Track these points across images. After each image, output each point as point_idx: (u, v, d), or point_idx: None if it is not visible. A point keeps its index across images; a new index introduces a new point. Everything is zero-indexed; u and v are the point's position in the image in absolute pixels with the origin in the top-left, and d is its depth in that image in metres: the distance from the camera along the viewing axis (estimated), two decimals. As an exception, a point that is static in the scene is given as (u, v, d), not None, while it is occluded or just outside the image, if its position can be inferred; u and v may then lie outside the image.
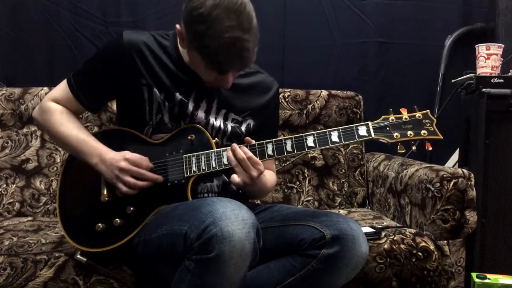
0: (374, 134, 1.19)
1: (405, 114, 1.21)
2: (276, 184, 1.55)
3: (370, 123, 1.19)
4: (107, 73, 1.27)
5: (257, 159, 1.18)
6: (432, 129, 1.19)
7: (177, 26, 1.17)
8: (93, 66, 1.30)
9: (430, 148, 1.20)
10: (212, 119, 1.30)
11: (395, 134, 1.19)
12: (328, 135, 1.19)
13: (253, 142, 1.21)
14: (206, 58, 1.11)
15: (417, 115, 1.21)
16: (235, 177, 1.18)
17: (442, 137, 1.20)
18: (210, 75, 1.18)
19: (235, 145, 1.19)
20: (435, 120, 1.21)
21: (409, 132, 1.19)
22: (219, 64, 1.12)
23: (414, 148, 1.21)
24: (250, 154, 1.17)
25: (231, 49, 1.08)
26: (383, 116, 1.21)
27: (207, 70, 1.16)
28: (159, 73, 1.26)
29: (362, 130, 1.19)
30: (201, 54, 1.11)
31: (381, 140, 1.19)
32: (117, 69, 1.25)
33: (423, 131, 1.19)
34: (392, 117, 1.20)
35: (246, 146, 1.20)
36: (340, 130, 1.19)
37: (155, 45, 1.27)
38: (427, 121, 1.20)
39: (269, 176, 1.38)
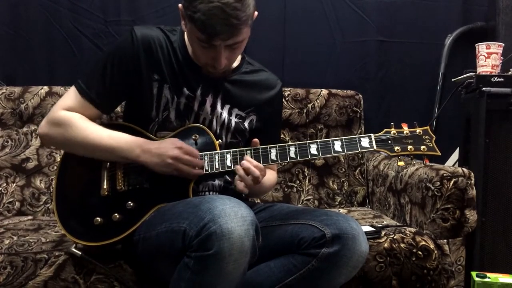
0: (376, 146, 1.24)
1: (406, 129, 1.26)
2: (276, 183, 1.55)
3: (372, 136, 1.24)
4: (123, 71, 1.26)
5: (261, 166, 1.20)
6: (431, 145, 1.25)
7: (179, 4, 1.19)
8: (106, 66, 1.26)
9: (428, 163, 1.25)
10: (217, 114, 1.32)
11: (396, 147, 1.24)
12: (331, 144, 1.22)
13: (259, 145, 1.22)
14: (197, 23, 1.12)
15: (417, 131, 1.26)
16: (240, 185, 1.20)
17: (440, 154, 1.25)
18: (205, 52, 1.19)
19: (245, 163, 1.19)
20: (434, 136, 1.26)
21: (409, 147, 1.24)
22: (207, 29, 1.12)
23: (413, 162, 1.28)
24: (255, 162, 1.19)
25: (220, 13, 1.09)
26: (385, 130, 1.26)
27: (201, 46, 1.17)
28: (170, 68, 1.27)
29: (365, 142, 1.23)
30: (192, 20, 1.12)
31: (382, 152, 1.26)
32: (132, 65, 1.25)
33: (422, 147, 1.25)
34: (393, 131, 1.25)
35: (250, 151, 1.22)
36: (344, 140, 1.23)
37: (165, 40, 1.29)
38: (427, 137, 1.26)
39: (268, 176, 1.38)
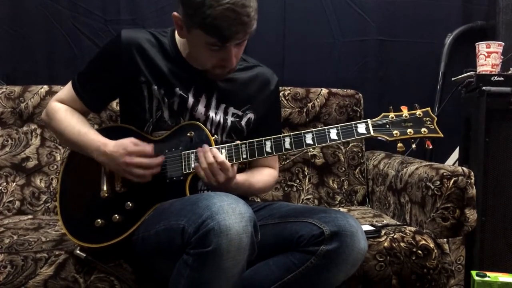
0: (373, 132, 1.17)
1: (405, 112, 1.19)
2: (275, 183, 1.53)
3: (369, 121, 1.19)
4: (107, 72, 1.29)
5: (228, 165, 1.17)
6: (433, 127, 1.18)
7: (174, 13, 1.18)
8: (93, 66, 1.32)
9: (431, 147, 1.19)
10: (211, 114, 1.31)
11: (395, 132, 1.17)
12: (326, 133, 1.18)
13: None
14: (208, 30, 1.11)
15: (417, 113, 1.19)
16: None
17: (442, 135, 1.18)
18: (213, 55, 1.18)
19: (206, 146, 1.19)
20: (435, 118, 1.19)
21: (409, 130, 1.17)
22: (222, 32, 1.11)
23: (414, 146, 1.20)
24: (222, 159, 1.17)
25: (231, 14, 1.08)
26: (382, 114, 1.20)
27: (209, 50, 1.16)
28: (158, 69, 1.27)
29: (361, 128, 1.18)
30: (202, 27, 1.12)
31: (380, 138, 1.18)
32: (116, 67, 1.27)
33: (423, 129, 1.18)
34: (392, 114, 1.19)
35: (245, 144, 1.20)
36: (339, 128, 1.18)
37: (153, 42, 1.28)
38: (427, 119, 1.19)
39: (263, 177, 1.37)
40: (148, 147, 1.21)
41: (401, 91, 2.23)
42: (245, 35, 1.16)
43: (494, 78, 1.72)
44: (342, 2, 2.19)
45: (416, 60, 2.24)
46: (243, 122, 1.36)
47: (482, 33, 2.16)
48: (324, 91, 2.04)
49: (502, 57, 1.83)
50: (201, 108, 1.29)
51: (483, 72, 1.79)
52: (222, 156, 1.17)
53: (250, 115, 1.36)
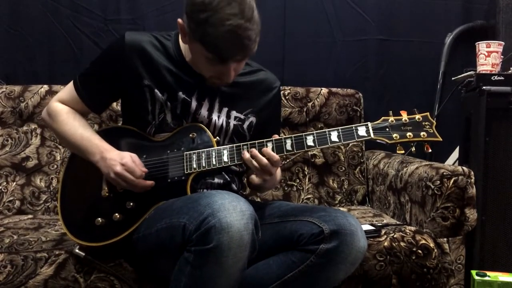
0: (374, 135, 1.20)
1: (404, 116, 1.22)
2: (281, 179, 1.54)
3: (369, 124, 1.21)
4: (109, 73, 1.29)
5: (277, 157, 1.17)
6: (432, 131, 1.20)
7: (179, 20, 1.18)
8: (96, 67, 1.32)
9: (430, 150, 1.21)
10: (214, 118, 1.31)
11: (394, 135, 1.20)
12: (327, 135, 1.20)
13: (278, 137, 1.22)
14: (208, 47, 1.11)
15: (416, 117, 1.22)
16: (254, 178, 1.22)
17: (441, 139, 1.20)
18: (212, 68, 1.19)
19: (255, 151, 1.18)
20: (434, 122, 1.22)
21: (408, 134, 1.20)
22: (221, 52, 1.12)
23: (413, 149, 1.22)
24: (272, 154, 1.17)
25: (232, 36, 1.08)
26: (382, 117, 1.22)
27: (208, 62, 1.17)
28: (161, 73, 1.27)
29: (362, 131, 1.20)
30: (203, 43, 1.12)
31: (379, 141, 1.21)
32: (118, 70, 1.27)
33: (422, 133, 1.20)
34: (391, 118, 1.21)
35: (246, 145, 1.21)
36: (340, 130, 1.20)
37: (157, 46, 1.28)
38: (426, 123, 1.21)
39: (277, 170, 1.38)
40: (139, 171, 1.19)
41: (401, 91, 2.23)
42: (244, 57, 1.16)
43: (494, 77, 1.72)
44: (342, 1, 2.19)
45: (416, 60, 2.24)
46: (245, 126, 1.36)
47: (482, 32, 2.16)
48: (324, 90, 2.04)
49: (502, 56, 1.83)
50: (204, 112, 1.30)
51: (483, 72, 1.79)
52: (271, 152, 1.17)
53: (252, 119, 1.37)
